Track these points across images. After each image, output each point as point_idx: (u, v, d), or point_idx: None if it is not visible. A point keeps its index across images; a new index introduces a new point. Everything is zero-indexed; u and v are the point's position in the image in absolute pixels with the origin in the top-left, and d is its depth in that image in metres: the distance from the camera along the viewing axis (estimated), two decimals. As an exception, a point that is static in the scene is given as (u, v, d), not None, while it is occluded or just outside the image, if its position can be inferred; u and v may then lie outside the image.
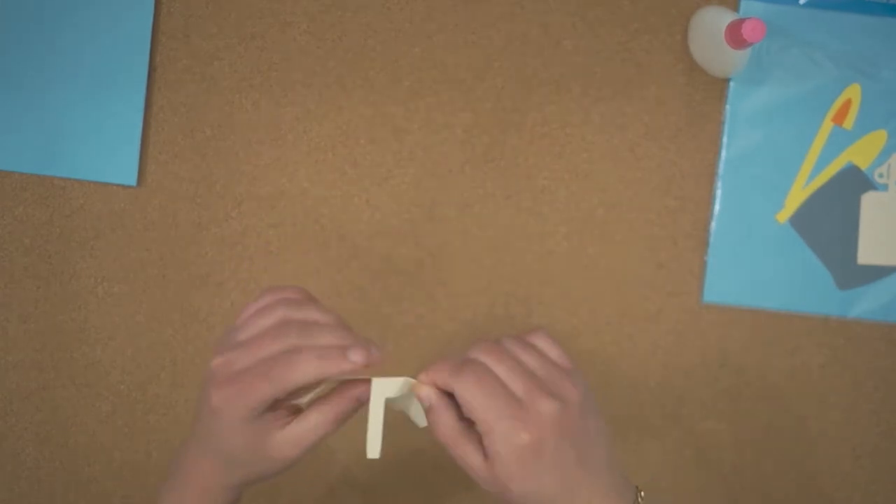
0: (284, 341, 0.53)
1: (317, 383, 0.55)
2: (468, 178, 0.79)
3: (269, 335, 0.54)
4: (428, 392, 0.55)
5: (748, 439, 0.79)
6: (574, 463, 0.53)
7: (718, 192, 0.78)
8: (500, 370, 0.54)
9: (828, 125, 0.78)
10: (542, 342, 0.57)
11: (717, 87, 0.78)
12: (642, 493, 0.56)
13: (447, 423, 0.55)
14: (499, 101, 0.79)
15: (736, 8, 0.78)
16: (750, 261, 0.78)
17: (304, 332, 0.53)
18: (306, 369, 0.52)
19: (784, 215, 0.78)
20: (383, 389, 0.55)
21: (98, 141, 0.79)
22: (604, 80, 0.78)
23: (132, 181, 0.79)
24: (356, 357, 0.52)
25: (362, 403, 0.55)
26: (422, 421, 0.58)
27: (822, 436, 0.79)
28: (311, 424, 0.54)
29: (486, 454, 0.54)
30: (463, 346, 0.58)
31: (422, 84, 0.79)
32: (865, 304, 0.78)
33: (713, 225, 0.78)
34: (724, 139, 0.78)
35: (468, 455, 0.54)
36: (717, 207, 0.78)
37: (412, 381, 0.56)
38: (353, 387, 0.55)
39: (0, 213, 0.79)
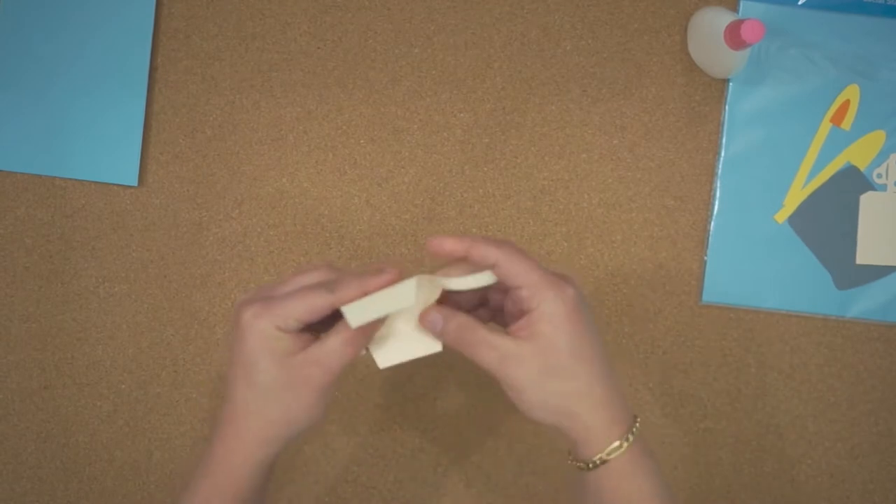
0: (321, 276, 0.57)
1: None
2: (468, 179, 0.79)
3: (305, 273, 0.57)
4: (434, 315, 0.57)
5: (747, 439, 0.79)
6: (601, 350, 0.58)
7: (717, 193, 0.78)
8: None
9: (826, 125, 0.78)
10: None
11: (716, 88, 0.78)
12: (639, 419, 0.59)
13: (464, 320, 0.57)
14: (498, 102, 0.79)
15: (735, 9, 0.78)
16: (749, 261, 0.78)
17: (339, 271, 0.58)
18: (348, 288, 0.54)
19: (783, 215, 0.78)
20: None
21: (99, 141, 0.79)
22: (603, 81, 0.79)
23: (133, 181, 0.79)
24: (391, 270, 0.55)
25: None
26: (385, 354, 0.58)
27: (820, 435, 0.79)
28: (334, 342, 0.55)
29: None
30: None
31: (421, 84, 0.79)
32: (864, 303, 0.78)
33: (712, 225, 0.78)
34: (723, 139, 0.78)
35: (498, 340, 0.55)
36: (716, 207, 0.78)
37: (416, 280, 0.56)
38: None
39: (2, 214, 0.80)
